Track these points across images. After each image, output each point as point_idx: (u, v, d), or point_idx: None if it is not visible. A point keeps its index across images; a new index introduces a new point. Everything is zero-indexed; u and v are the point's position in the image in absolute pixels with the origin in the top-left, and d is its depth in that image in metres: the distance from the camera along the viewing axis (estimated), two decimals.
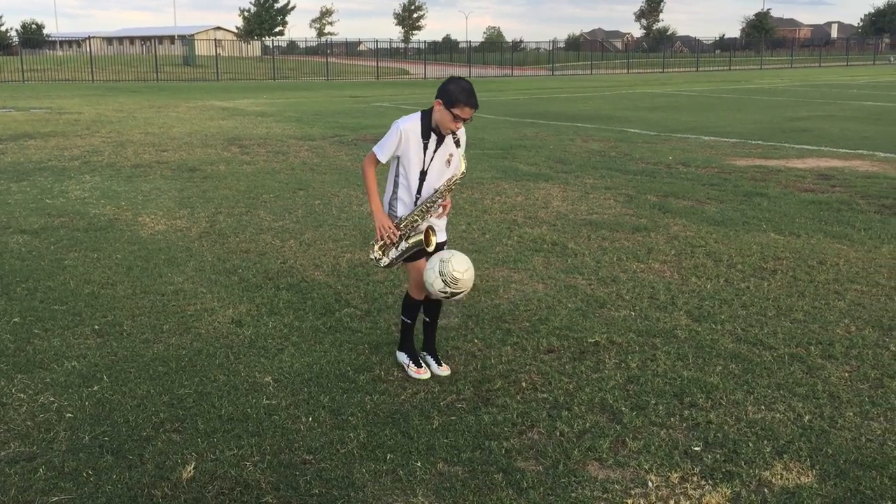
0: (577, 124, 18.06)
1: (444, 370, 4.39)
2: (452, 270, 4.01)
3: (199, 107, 23.84)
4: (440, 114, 4.01)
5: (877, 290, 5.81)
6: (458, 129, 4.06)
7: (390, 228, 4.14)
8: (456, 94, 3.94)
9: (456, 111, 3.95)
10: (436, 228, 4.23)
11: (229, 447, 3.60)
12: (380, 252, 4.25)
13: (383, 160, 4.14)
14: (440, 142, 4.11)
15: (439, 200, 4.16)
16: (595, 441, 3.64)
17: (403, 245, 4.17)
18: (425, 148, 4.09)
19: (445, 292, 4.05)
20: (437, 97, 4.01)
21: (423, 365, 4.38)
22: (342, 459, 3.51)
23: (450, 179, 4.17)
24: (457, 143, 4.15)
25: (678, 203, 8.95)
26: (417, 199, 4.16)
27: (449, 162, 4.17)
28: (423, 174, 4.11)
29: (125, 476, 3.37)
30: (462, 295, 4.12)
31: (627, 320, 5.22)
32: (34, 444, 3.65)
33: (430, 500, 3.22)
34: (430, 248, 4.14)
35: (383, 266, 4.29)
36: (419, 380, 4.28)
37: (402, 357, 4.44)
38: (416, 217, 4.14)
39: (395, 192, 4.22)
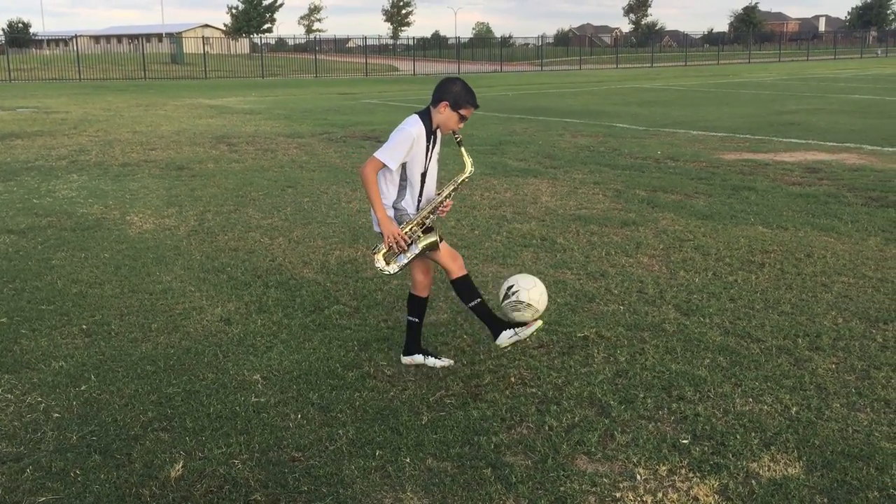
0: (565, 120, 18.07)
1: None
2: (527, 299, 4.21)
3: (187, 105, 23.75)
4: (446, 116, 4.09)
5: (864, 282, 5.84)
6: (459, 128, 4.16)
7: (400, 235, 4.07)
8: (463, 96, 4.08)
9: (463, 112, 4.10)
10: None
11: (218, 445, 3.60)
12: (384, 261, 4.17)
13: (393, 167, 4.04)
14: (435, 142, 4.21)
15: (446, 201, 4.22)
16: (584, 435, 3.65)
17: (415, 249, 4.12)
18: (427, 150, 4.15)
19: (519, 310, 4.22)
20: (442, 99, 4.07)
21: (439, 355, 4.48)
22: (331, 456, 3.51)
23: (456, 180, 4.25)
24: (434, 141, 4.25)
25: (667, 197, 8.97)
26: (419, 200, 4.19)
27: (437, 161, 4.28)
28: (424, 175, 4.18)
29: (113, 475, 3.37)
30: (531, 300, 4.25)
31: (616, 314, 5.23)
32: (21, 444, 3.63)
33: (418, 496, 3.22)
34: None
35: (391, 273, 4.23)
36: (446, 367, 4.38)
37: (416, 358, 4.41)
38: (423, 219, 4.15)
39: (399, 197, 4.16)
